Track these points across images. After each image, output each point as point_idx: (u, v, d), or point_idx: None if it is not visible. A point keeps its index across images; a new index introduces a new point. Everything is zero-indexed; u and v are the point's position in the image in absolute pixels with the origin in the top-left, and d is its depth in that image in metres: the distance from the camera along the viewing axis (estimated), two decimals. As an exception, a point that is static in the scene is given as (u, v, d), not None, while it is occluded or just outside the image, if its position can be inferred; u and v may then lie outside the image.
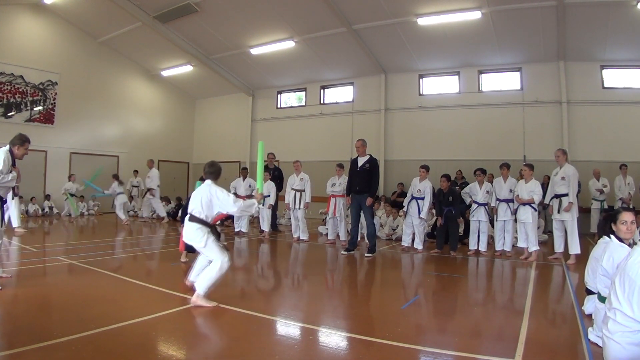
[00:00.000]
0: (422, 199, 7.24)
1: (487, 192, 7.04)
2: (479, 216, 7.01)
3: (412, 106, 12.72)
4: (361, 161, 6.78)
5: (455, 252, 6.90)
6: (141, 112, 15.55)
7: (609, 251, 3.17)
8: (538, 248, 6.55)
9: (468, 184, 8.12)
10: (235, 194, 9.36)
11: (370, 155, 6.86)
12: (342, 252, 6.81)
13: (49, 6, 12.32)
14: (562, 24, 9.36)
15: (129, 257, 6.57)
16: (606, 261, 3.16)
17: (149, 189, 11.60)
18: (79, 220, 11.96)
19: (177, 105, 16.90)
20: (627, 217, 3.11)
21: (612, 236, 3.22)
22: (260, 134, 15.51)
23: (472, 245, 7.08)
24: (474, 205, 7.11)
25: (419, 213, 7.23)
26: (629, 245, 3.05)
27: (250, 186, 9.32)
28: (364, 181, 6.68)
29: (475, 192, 7.12)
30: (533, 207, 6.48)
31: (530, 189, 6.50)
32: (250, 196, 9.36)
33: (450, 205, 7.03)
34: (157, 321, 3.22)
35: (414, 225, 7.33)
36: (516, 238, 7.00)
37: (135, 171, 13.11)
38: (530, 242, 6.47)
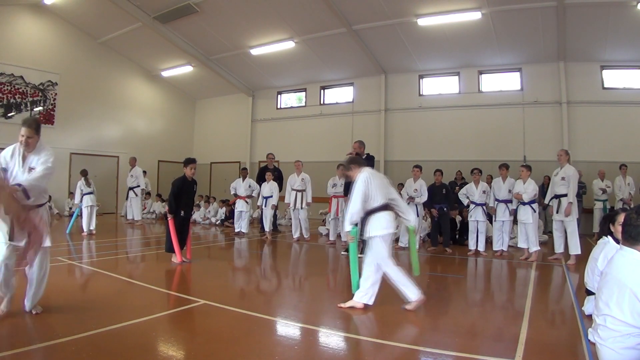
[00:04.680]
0: (420, 197, 7.39)
1: (484, 191, 7.08)
2: (476, 216, 7.04)
3: (412, 107, 12.72)
4: None
5: (449, 249, 6.92)
6: (141, 112, 15.55)
7: (604, 252, 3.17)
8: (539, 248, 6.55)
9: (467, 184, 8.13)
10: (236, 195, 9.38)
11: (368, 153, 6.88)
12: (343, 253, 6.81)
13: (49, 6, 12.33)
14: (562, 24, 9.36)
15: (129, 257, 6.56)
16: (601, 262, 3.16)
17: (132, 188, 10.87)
18: (79, 220, 11.94)
19: (177, 105, 16.90)
20: None
21: (609, 237, 3.22)
22: (260, 135, 15.52)
23: (472, 246, 7.08)
24: (472, 206, 7.13)
25: (417, 214, 7.29)
26: None
27: (250, 186, 9.32)
28: None
29: (472, 192, 7.15)
30: (533, 208, 6.48)
31: (525, 189, 6.54)
32: (250, 196, 9.37)
33: (445, 200, 7.08)
34: (157, 321, 3.22)
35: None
36: (513, 238, 7.01)
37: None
38: (530, 242, 6.47)
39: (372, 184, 3.66)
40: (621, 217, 3.14)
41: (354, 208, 3.63)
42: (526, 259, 6.46)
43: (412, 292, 3.64)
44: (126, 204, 13.45)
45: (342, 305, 3.70)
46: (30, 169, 3.28)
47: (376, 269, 3.70)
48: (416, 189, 7.35)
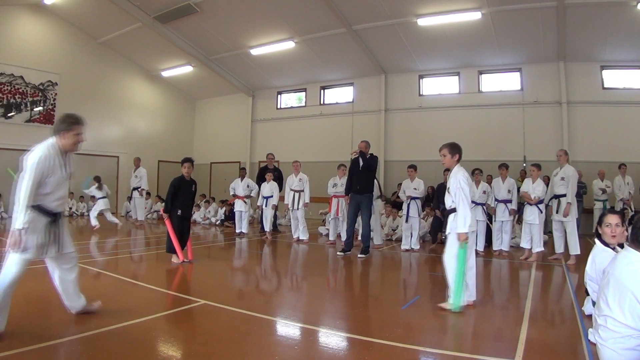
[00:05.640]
0: (420, 198, 7.37)
1: (484, 192, 7.07)
2: (476, 216, 7.02)
3: (412, 107, 12.72)
4: (362, 160, 6.78)
5: None
6: (141, 112, 15.56)
7: (592, 255, 3.14)
8: (542, 249, 6.54)
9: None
10: (234, 195, 9.37)
11: (372, 154, 6.90)
12: (339, 253, 6.78)
13: (49, 6, 12.33)
14: (562, 24, 9.36)
15: (129, 257, 6.56)
16: (589, 265, 3.14)
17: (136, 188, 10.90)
18: (79, 220, 11.97)
19: (177, 105, 16.91)
20: (611, 219, 3.06)
21: (596, 240, 3.19)
22: (260, 135, 15.53)
23: (471, 246, 7.08)
24: (472, 205, 7.11)
25: (419, 213, 7.27)
26: (613, 249, 3.01)
27: (248, 186, 9.32)
28: (364, 180, 6.70)
29: (473, 192, 7.14)
30: (539, 209, 6.44)
31: (534, 188, 6.49)
32: (248, 196, 9.36)
33: None
34: (157, 321, 3.22)
35: (412, 227, 7.36)
36: (513, 238, 6.98)
37: None
38: (534, 243, 6.45)
39: (470, 185, 3.72)
40: (608, 218, 3.10)
41: (468, 208, 3.62)
42: (526, 258, 6.46)
43: (457, 298, 3.62)
44: (126, 204, 13.45)
45: (444, 307, 3.65)
46: (70, 174, 3.00)
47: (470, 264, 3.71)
48: (415, 188, 7.36)
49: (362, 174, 6.71)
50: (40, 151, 2.81)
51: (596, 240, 3.20)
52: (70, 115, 3.03)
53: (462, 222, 3.61)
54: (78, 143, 2.99)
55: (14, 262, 2.70)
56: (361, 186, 6.70)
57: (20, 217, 2.66)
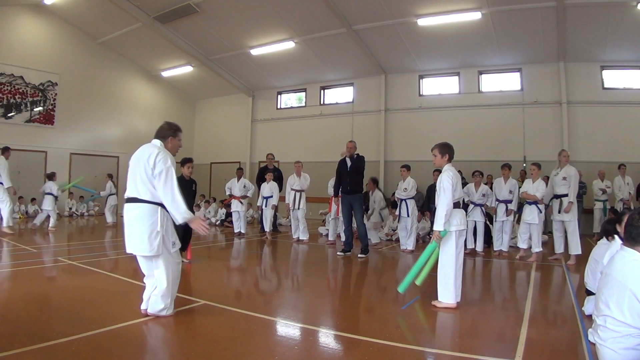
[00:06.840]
0: (412, 198, 7.37)
1: (484, 194, 7.08)
2: (474, 216, 7.05)
3: (412, 107, 12.72)
4: (349, 161, 6.80)
5: None
6: (141, 112, 15.54)
7: (610, 251, 3.16)
8: (542, 249, 6.53)
9: (468, 184, 8.14)
10: (231, 195, 9.36)
11: (358, 154, 6.90)
12: (339, 254, 6.79)
13: (49, 6, 12.33)
14: (562, 24, 9.36)
15: (128, 257, 6.56)
16: (606, 257, 3.16)
17: None
18: (79, 221, 11.97)
19: (177, 105, 16.90)
20: None
21: (616, 236, 3.22)
22: (260, 135, 15.52)
23: (469, 245, 7.06)
24: (470, 206, 7.14)
25: (408, 213, 7.26)
26: None
27: (245, 186, 9.32)
28: (354, 181, 6.72)
29: (472, 193, 7.17)
30: (539, 209, 6.45)
31: (536, 188, 6.48)
32: (245, 196, 9.35)
33: None
34: (157, 321, 3.21)
35: (406, 226, 7.36)
36: (513, 239, 6.97)
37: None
38: (534, 243, 6.45)
39: (455, 183, 3.78)
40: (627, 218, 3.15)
41: (448, 206, 3.66)
42: (521, 258, 6.45)
43: (449, 295, 3.70)
44: None
45: (436, 304, 3.74)
46: None
47: (457, 264, 3.76)
48: (405, 188, 7.39)
49: (351, 175, 6.75)
50: (166, 151, 3.22)
51: (616, 237, 3.23)
52: (174, 123, 3.44)
53: (438, 219, 3.70)
54: (179, 148, 3.44)
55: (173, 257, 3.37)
56: (352, 187, 6.75)
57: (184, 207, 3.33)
